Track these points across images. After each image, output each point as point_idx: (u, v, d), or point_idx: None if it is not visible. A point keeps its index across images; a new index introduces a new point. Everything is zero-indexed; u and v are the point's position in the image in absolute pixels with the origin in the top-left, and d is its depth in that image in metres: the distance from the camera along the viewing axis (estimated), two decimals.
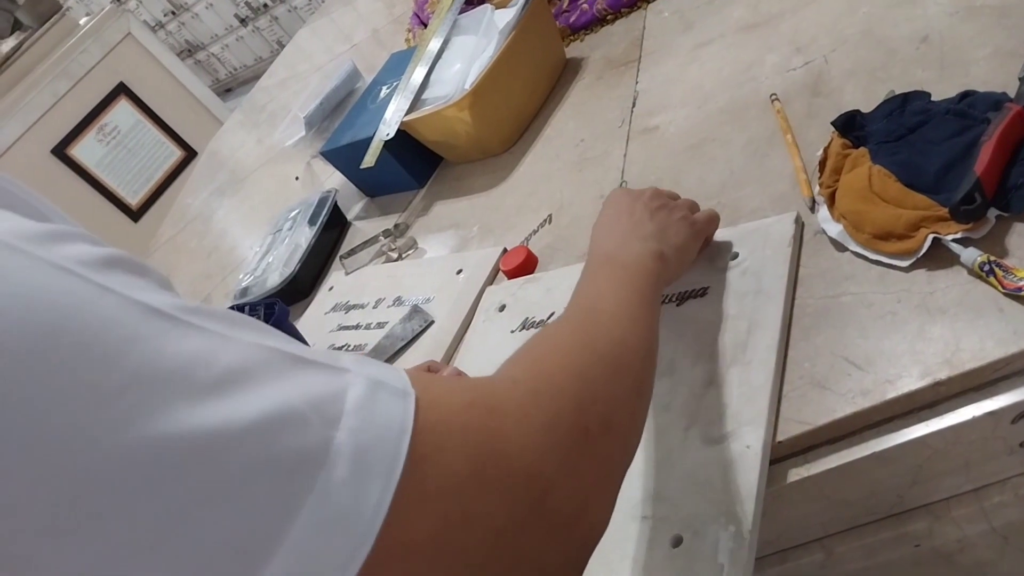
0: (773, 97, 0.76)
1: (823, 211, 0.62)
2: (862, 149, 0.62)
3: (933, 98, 0.62)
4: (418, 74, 1.08)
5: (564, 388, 0.41)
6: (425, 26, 1.35)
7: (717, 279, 0.63)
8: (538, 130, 1.03)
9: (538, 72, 1.06)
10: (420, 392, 0.35)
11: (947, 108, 0.60)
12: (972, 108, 0.58)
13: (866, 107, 0.66)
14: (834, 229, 0.60)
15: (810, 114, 0.72)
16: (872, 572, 0.59)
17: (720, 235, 0.66)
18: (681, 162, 0.79)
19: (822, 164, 0.64)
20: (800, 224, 0.63)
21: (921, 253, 0.54)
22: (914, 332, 0.52)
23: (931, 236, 0.53)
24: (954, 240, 0.53)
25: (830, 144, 0.65)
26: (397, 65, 1.21)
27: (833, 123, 0.65)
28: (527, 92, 1.05)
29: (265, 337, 0.33)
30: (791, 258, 0.61)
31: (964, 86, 0.63)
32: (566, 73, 1.08)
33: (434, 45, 1.10)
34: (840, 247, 0.60)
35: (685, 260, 0.62)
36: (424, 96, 1.06)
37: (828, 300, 0.57)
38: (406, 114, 1.04)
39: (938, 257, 0.54)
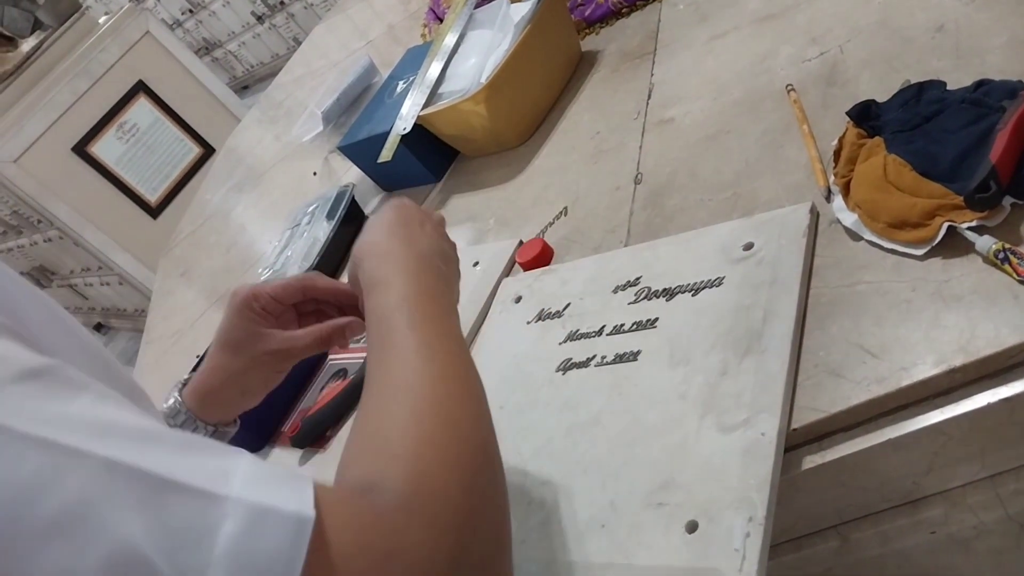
0: (789, 88, 0.76)
1: (838, 200, 0.62)
2: (877, 139, 0.62)
3: (948, 87, 0.62)
4: (434, 68, 1.09)
5: (435, 490, 0.37)
6: (441, 21, 1.35)
7: (732, 269, 0.63)
8: (554, 123, 1.04)
9: (554, 65, 1.06)
10: (324, 514, 0.31)
11: (962, 97, 0.59)
12: (987, 96, 0.58)
13: (881, 97, 0.66)
14: (849, 218, 0.60)
15: (825, 104, 0.72)
16: (887, 559, 0.59)
17: (736, 225, 0.67)
18: (696, 153, 0.80)
19: (837, 154, 0.64)
20: (815, 214, 0.63)
21: (936, 241, 0.54)
22: (929, 320, 0.52)
23: (946, 224, 0.54)
24: (969, 228, 0.53)
25: (845, 134, 0.65)
26: (413, 60, 1.21)
27: (848, 113, 0.65)
28: (543, 85, 1.05)
29: (133, 447, 0.29)
30: (806, 248, 0.61)
31: (980, 75, 0.63)
32: (581, 66, 1.09)
33: (450, 40, 1.11)
34: (855, 236, 0.60)
35: None
36: (440, 90, 1.07)
37: (843, 289, 0.58)
38: (422, 108, 1.05)
39: (953, 245, 0.54)
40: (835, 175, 0.64)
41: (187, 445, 0.32)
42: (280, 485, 0.32)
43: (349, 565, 0.31)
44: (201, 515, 0.29)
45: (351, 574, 0.31)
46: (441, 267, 0.55)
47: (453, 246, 0.61)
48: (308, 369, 0.97)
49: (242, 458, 0.33)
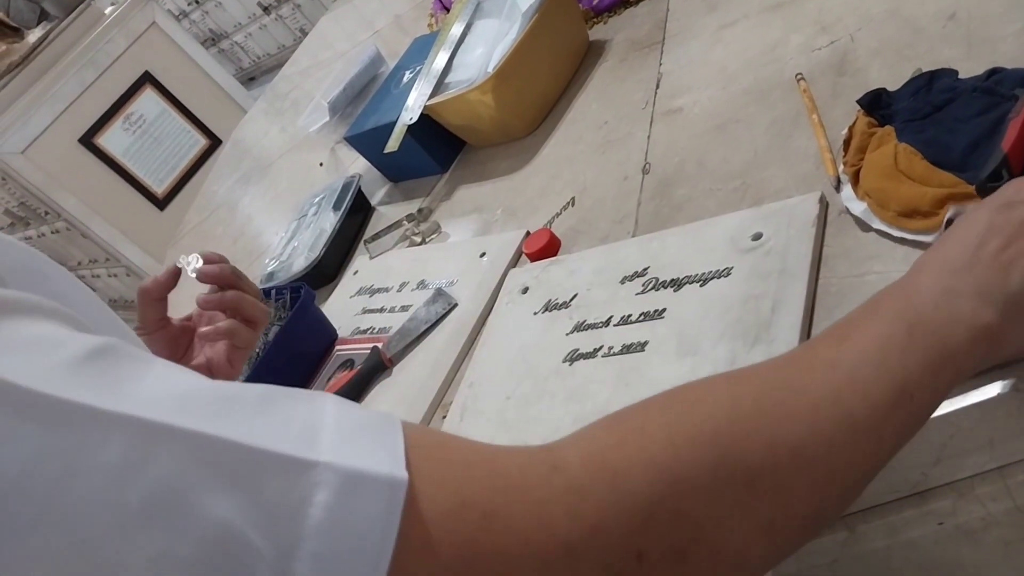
0: (798, 76, 0.76)
1: (847, 189, 0.62)
2: (888, 127, 0.62)
3: (960, 76, 0.62)
4: (441, 58, 1.09)
5: (632, 490, 0.31)
6: (447, 10, 1.35)
7: (741, 259, 0.63)
8: (561, 113, 1.03)
9: (561, 55, 1.06)
10: (415, 475, 0.29)
11: (974, 86, 0.59)
12: (1000, 85, 0.58)
13: (892, 86, 0.65)
14: (858, 207, 0.60)
15: (835, 93, 0.72)
16: (895, 550, 0.59)
17: (744, 215, 0.66)
18: (705, 143, 0.79)
19: (847, 143, 0.64)
20: (824, 204, 0.63)
21: (946, 230, 0.54)
22: None
23: (951, 210, 0.53)
24: None
25: (855, 123, 0.64)
26: (420, 50, 1.21)
27: (859, 101, 0.64)
28: (550, 75, 1.05)
29: (215, 416, 0.28)
30: (815, 238, 0.61)
31: (992, 63, 0.62)
32: (589, 56, 1.08)
33: (457, 29, 1.11)
34: (864, 226, 0.59)
35: None
36: (447, 80, 1.07)
37: (852, 279, 0.57)
38: (429, 98, 1.04)
39: None
40: (844, 164, 0.63)
41: (267, 400, 0.30)
42: (371, 440, 0.30)
43: (445, 525, 0.29)
44: (293, 486, 0.27)
45: (447, 535, 0.29)
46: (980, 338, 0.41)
47: None
48: (315, 360, 0.97)
49: (327, 404, 0.31)
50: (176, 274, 0.69)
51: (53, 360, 0.27)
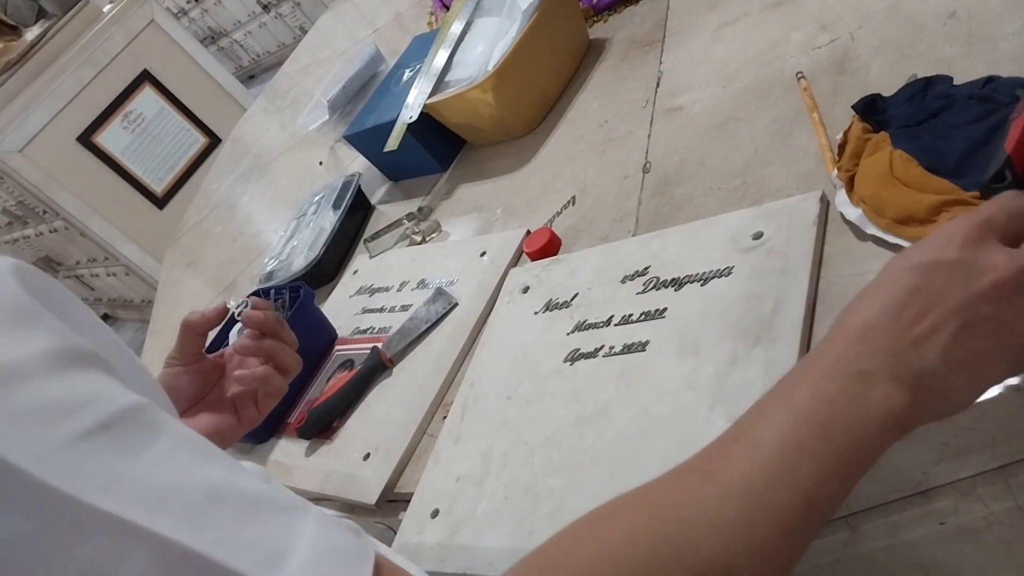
0: (799, 75, 0.76)
1: (841, 195, 0.61)
2: (883, 133, 0.62)
3: (960, 76, 0.62)
4: (441, 56, 1.08)
5: None
6: (448, 8, 1.35)
7: (742, 258, 0.63)
8: (561, 111, 1.03)
9: (561, 53, 1.06)
10: None
11: (970, 93, 0.59)
12: (996, 92, 0.58)
13: (893, 84, 0.65)
14: (853, 213, 0.60)
15: (836, 92, 0.72)
16: (897, 549, 0.59)
17: (745, 214, 0.66)
18: (706, 141, 0.79)
19: (841, 147, 0.64)
20: (825, 203, 0.63)
21: None
22: None
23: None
24: None
25: (850, 128, 0.64)
26: (420, 48, 1.21)
27: (854, 107, 0.64)
28: (550, 73, 1.05)
29: (192, 520, 0.30)
30: (816, 237, 0.60)
31: (992, 62, 0.62)
32: (589, 54, 1.08)
33: (457, 27, 1.10)
34: (859, 232, 0.59)
35: (963, 402, 0.41)
36: (447, 78, 1.07)
37: (854, 278, 0.57)
38: (429, 97, 1.04)
39: None
40: (839, 169, 0.63)
41: (253, 504, 0.32)
42: (338, 572, 0.31)
43: None
44: None
45: None
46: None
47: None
48: (314, 360, 0.97)
49: (307, 523, 0.32)
50: (223, 314, 0.72)
51: (56, 435, 0.28)
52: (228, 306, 0.72)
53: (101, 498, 0.28)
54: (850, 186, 0.61)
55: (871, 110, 0.64)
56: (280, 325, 0.71)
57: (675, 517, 0.38)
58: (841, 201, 0.61)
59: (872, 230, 0.58)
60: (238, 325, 0.91)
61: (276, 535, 0.31)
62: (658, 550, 0.37)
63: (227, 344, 0.93)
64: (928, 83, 0.63)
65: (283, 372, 0.71)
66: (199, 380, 0.71)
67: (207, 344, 0.74)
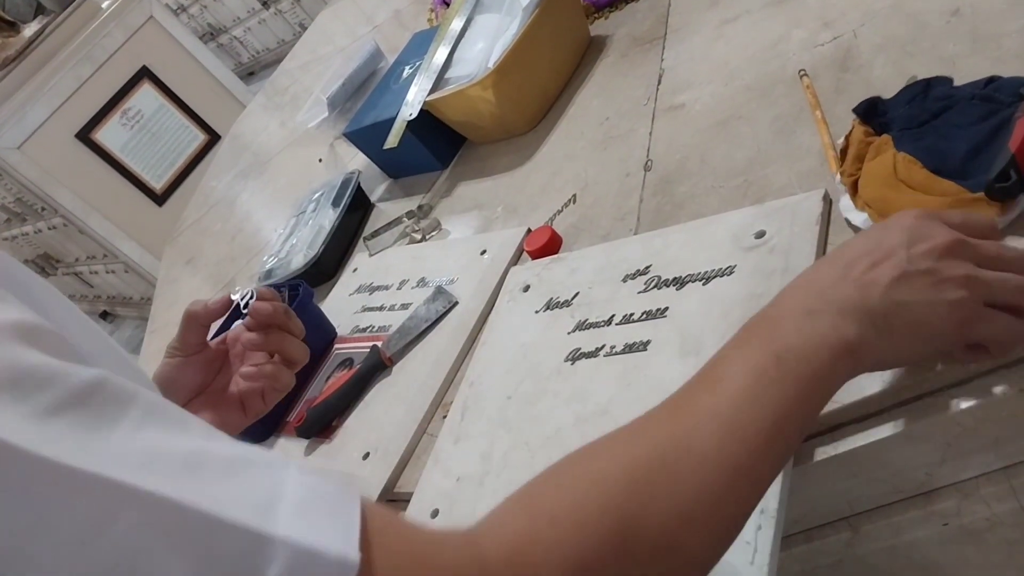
0: (801, 73, 0.75)
1: (845, 200, 0.61)
2: (885, 136, 0.61)
3: (963, 74, 0.61)
4: (441, 53, 1.08)
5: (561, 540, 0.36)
6: (447, 5, 1.34)
7: (743, 257, 0.63)
8: (562, 109, 1.03)
9: (562, 50, 1.05)
10: (366, 558, 0.31)
11: (972, 93, 0.58)
12: (998, 92, 0.57)
13: (896, 82, 0.65)
14: (858, 218, 0.59)
15: (839, 90, 0.71)
16: (899, 550, 0.59)
17: (747, 213, 0.66)
18: (707, 139, 0.79)
19: (843, 151, 0.63)
20: (828, 201, 0.63)
21: None
22: None
23: None
24: None
25: (852, 131, 0.64)
26: (420, 45, 1.20)
27: (855, 110, 0.64)
28: (551, 70, 1.04)
29: (179, 477, 0.29)
30: (819, 235, 0.60)
31: (996, 60, 0.62)
32: (590, 51, 1.07)
33: (457, 24, 1.10)
34: None
35: (908, 351, 0.45)
36: (447, 75, 1.06)
37: None
38: (429, 94, 1.04)
39: None
40: (842, 173, 0.62)
41: (233, 464, 0.32)
42: (327, 516, 0.31)
43: None
44: (247, 557, 0.29)
45: None
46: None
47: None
48: (314, 359, 0.96)
49: (290, 474, 0.33)
50: (228, 305, 0.70)
51: (31, 406, 0.28)
52: (233, 297, 0.70)
53: (85, 461, 0.28)
54: (854, 190, 0.61)
55: (872, 113, 0.63)
56: (288, 316, 0.69)
57: (650, 444, 0.41)
58: (846, 206, 0.61)
59: None
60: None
61: (262, 487, 0.31)
62: (635, 473, 0.39)
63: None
64: (928, 84, 0.62)
65: (290, 365, 0.70)
66: (201, 371, 0.69)
67: (210, 335, 0.72)
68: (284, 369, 0.69)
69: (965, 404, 0.49)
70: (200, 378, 0.69)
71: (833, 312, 0.43)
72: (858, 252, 0.46)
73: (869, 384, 0.51)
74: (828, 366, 0.42)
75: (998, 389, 0.48)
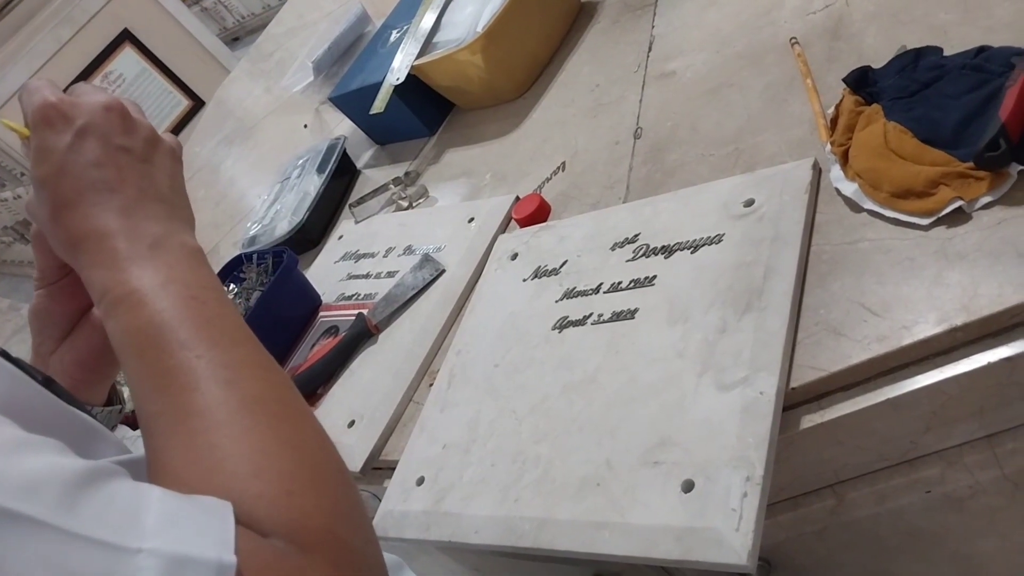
0: (793, 41, 0.74)
1: (835, 170, 0.60)
2: (876, 106, 0.61)
3: (954, 42, 0.61)
4: (428, 17, 1.06)
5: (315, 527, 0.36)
6: None
7: (733, 226, 0.62)
8: (552, 75, 1.01)
9: (552, 15, 1.04)
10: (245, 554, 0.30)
11: (963, 63, 0.58)
12: (989, 62, 0.57)
13: (888, 51, 0.64)
14: (849, 188, 0.59)
15: (830, 58, 0.71)
16: (883, 518, 0.59)
17: (737, 181, 0.66)
18: (698, 107, 0.78)
19: (834, 121, 0.63)
20: (818, 170, 0.62)
21: (942, 214, 0.53)
22: (931, 278, 0.51)
23: (956, 201, 0.52)
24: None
25: (842, 101, 0.63)
26: (407, 8, 1.18)
27: (845, 79, 0.63)
28: (541, 36, 1.03)
29: (38, 494, 0.28)
30: (808, 204, 0.60)
31: (987, 29, 0.61)
32: (581, 17, 1.06)
33: None
34: (855, 206, 0.58)
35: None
36: (435, 40, 1.05)
37: (845, 246, 0.57)
38: (416, 58, 1.02)
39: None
40: (832, 143, 0.62)
41: (92, 477, 0.30)
42: (198, 524, 0.30)
43: None
44: (113, 573, 0.28)
45: None
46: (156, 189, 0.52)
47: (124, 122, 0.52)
48: (298, 326, 0.96)
49: (153, 488, 0.32)
50: None
51: None
52: None
53: None
54: (844, 160, 0.60)
55: (863, 82, 0.63)
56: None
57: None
58: (836, 176, 0.60)
59: (869, 205, 0.57)
60: None
61: (127, 498, 0.30)
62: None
63: None
64: (918, 54, 0.62)
65: None
66: (71, 300, 0.60)
67: None
68: None
69: (951, 373, 0.49)
70: (76, 303, 0.60)
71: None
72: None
73: (855, 352, 0.51)
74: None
75: (984, 358, 0.49)
